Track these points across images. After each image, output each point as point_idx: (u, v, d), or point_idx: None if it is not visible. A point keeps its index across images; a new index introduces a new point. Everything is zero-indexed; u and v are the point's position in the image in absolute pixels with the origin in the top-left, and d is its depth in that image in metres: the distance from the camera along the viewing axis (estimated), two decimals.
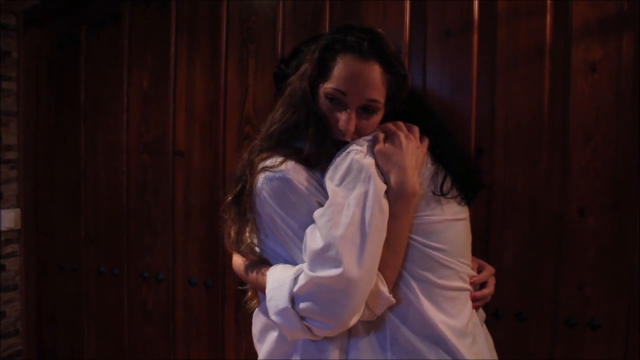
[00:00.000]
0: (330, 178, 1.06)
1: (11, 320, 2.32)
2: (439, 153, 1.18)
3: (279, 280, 1.05)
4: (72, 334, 2.31)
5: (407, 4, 1.71)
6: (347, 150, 1.08)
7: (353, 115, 1.09)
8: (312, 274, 0.98)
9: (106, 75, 2.16)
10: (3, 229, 2.25)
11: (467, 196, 1.19)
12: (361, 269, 0.96)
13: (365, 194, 1.01)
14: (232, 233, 1.19)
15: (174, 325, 2.10)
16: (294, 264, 1.09)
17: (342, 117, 1.09)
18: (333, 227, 0.98)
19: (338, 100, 1.09)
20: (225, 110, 1.95)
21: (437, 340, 1.07)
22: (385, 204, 1.03)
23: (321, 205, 1.06)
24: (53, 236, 2.32)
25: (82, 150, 2.22)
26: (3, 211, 2.24)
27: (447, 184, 1.14)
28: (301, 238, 1.06)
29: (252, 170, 1.12)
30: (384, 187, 1.05)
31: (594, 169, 1.55)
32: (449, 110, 1.66)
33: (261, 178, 1.09)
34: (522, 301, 1.64)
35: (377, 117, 1.13)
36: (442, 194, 1.12)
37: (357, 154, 1.06)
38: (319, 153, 1.11)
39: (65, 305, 2.32)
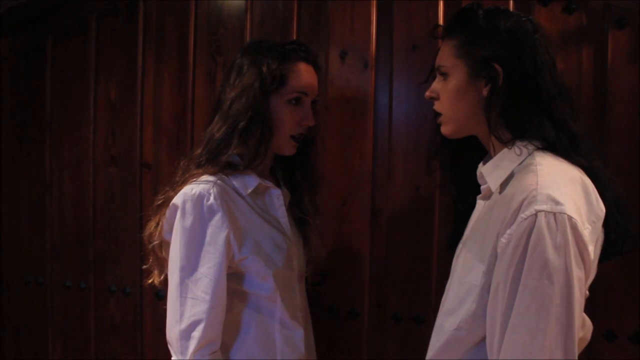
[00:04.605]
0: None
1: None
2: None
3: None
4: (36, 349, 2.26)
5: (374, 17, 1.72)
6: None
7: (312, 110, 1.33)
8: None
9: (73, 87, 2.13)
10: None
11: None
12: None
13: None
14: (151, 227, 1.31)
15: (141, 338, 2.06)
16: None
17: (306, 113, 1.31)
18: None
19: (299, 101, 1.30)
20: (193, 123, 1.93)
21: None
22: None
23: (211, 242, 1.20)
24: (17, 250, 2.27)
25: (47, 162, 2.18)
26: None
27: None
28: (180, 267, 1.20)
29: (183, 179, 1.25)
30: None
31: None
32: (416, 124, 1.68)
33: (183, 190, 1.21)
34: None
35: None
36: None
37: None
38: (256, 154, 1.24)
39: (30, 320, 2.27)
